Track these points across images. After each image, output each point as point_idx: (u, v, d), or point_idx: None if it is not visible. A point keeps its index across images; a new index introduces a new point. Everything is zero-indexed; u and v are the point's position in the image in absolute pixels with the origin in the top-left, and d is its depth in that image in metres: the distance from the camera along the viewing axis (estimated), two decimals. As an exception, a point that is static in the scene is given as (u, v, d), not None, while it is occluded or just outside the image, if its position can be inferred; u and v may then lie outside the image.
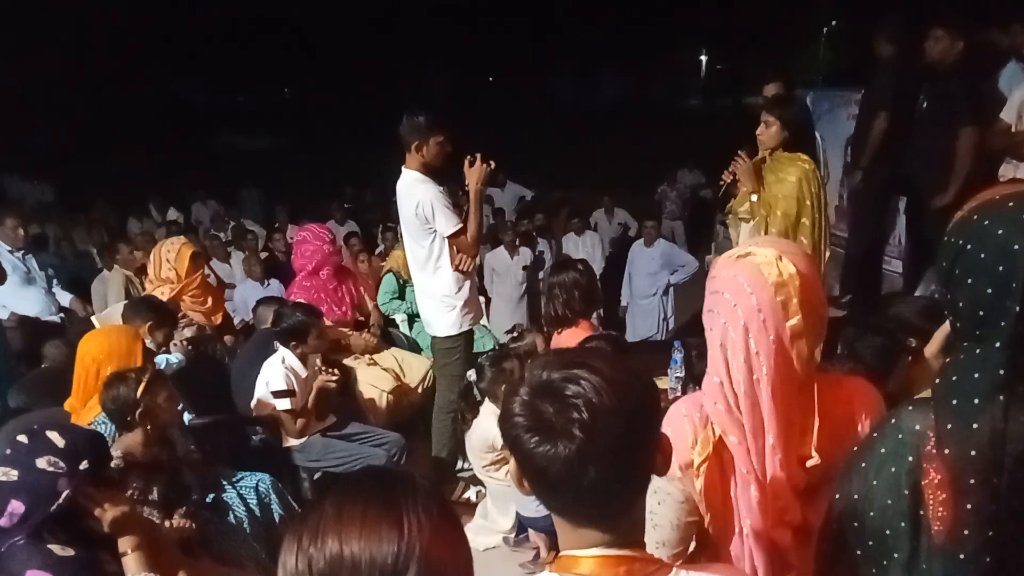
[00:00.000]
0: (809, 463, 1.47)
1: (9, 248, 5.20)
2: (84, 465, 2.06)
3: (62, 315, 5.45)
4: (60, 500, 2.00)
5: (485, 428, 3.52)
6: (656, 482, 1.42)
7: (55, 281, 5.64)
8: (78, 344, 3.12)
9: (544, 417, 1.05)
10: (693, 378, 3.45)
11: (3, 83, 18.36)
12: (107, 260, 6.90)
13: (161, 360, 3.92)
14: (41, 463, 2.01)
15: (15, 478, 2.00)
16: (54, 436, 2.06)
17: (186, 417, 3.51)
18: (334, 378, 3.81)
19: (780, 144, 3.86)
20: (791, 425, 1.46)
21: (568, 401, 1.04)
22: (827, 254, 3.94)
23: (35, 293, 5.34)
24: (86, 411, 2.93)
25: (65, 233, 9.46)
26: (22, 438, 2.06)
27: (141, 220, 10.26)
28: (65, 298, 5.60)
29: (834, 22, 25.08)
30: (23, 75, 19.30)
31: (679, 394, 3.42)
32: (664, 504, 1.46)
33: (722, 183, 4.08)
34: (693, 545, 1.52)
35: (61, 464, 2.02)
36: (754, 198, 3.89)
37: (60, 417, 3.09)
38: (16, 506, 1.97)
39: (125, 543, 2.10)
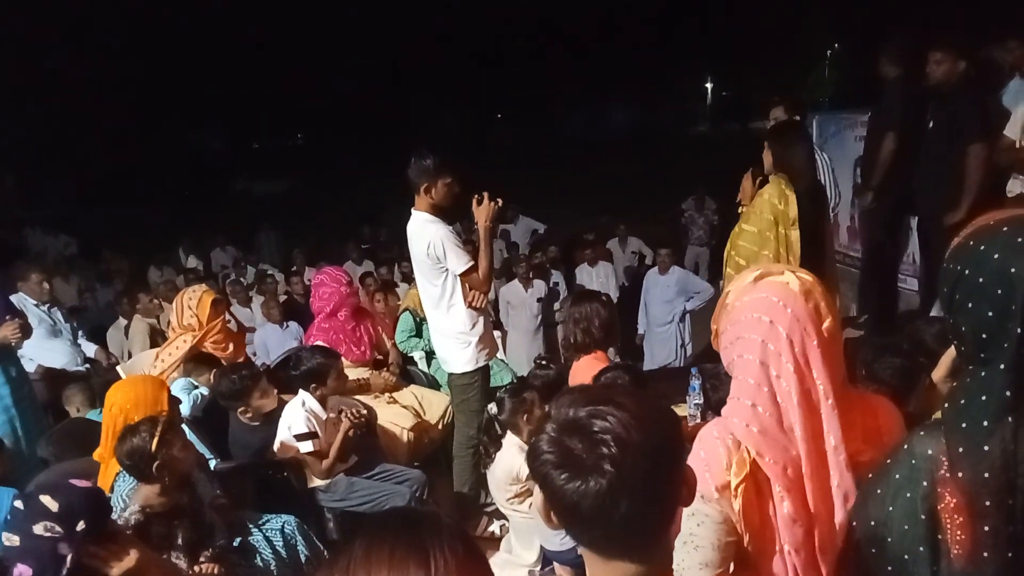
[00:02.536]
0: (863, 458, 1.50)
1: (35, 302, 5.30)
2: (81, 526, 2.03)
3: (87, 366, 5.53)
4: (68, 564, 1.98)
5: (508, 460, 3.54)
6: (694, 504, 1.44)
7: (80, 332, 5.74)
8: (105, 394, 3.17)
9: (573, 454, 1.07)
10: (711, 405, 3.45)
11: (23, 139, 18.81)
12: (125, 309, 7.00)
13: (197, 395, 4.01)
14: (38, 529, 1.99)
15: (17, 544, 2.00)
16: (47, 501, 2.03)
17: (212, 462, 3.56)
18: (362, 416, 3.86)
19: (772, 168, 3.98)
20: (846, 424, 1.50)
21: (596, 437, 1.06)
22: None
23: (61, 345, 5.44)
24: (115, 462, 2.97)
25: (88, 284, 9.61)
26: (18, 503, 2.05)
27: (160, 268, 10.41)
28: (90, 349, 5.69)
29: (837, 44, 25.24)
30: (42, 131, 19.75)
31: (699, 421, 3.42)
32: (703, 525, 1.48)
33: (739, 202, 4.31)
34: (732, 566, 1.53)
35: (58, 528, 2.00)
36: (741, 210, 4.11)
37: (88, 468, 3.14)
38: (24, 569, 1.97)
39: None
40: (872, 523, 1.23)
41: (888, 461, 1.27)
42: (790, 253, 3.85)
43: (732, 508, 1.48)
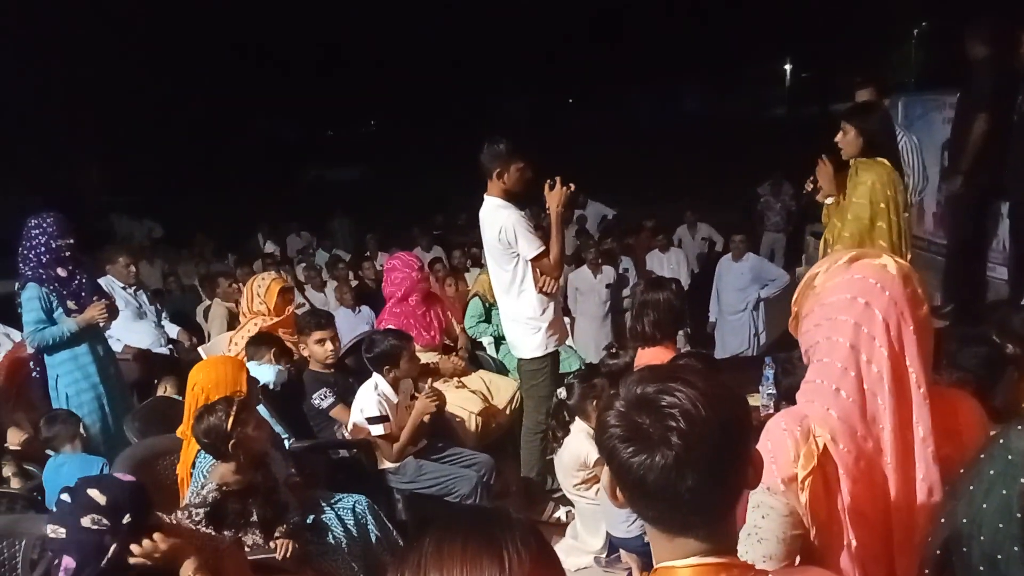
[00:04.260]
0: (942, 452, 1.45)
1: (122, 284, 5.53)
2: (127, 519, 2.09)
3: (171, 347, 5.76)
4: (109, 554, 2.05)
5: (576, 446, 3.53)
6: (760, 496, 1.44)
7: (164, 314, 5.98)
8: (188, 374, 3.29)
9: (641, 428, 1.08)
10: (783, 393, 3.36)
11: (108, 130, 19.71)
12: (207, 292, 7.26)
13: (273, 371, 4.08)
14: (86, 521, 2.05)
15: (63, 536, 2.07)
16: (95, 494, 2.08)
17: (287, 442, 3.66)
18: (435, 400, 3.89)
19: (858, 151, 3.80)
20: (935, 416, 1.45)
21: (664, 412, 1.07)
22: (908, 256, 3.80)
23: (146, 327, 5.67)
24: (197, 439, 3.07)
25: (172, 268, 9.99)
26: (65, 497, 2.11)
27: (238, 253, 10.73)
28: (173, 331, 5.92)
29: (924, 23, 24.12)
30: (125, 121, 20.64)
31: (771, 411, 3.33)
32: (768, 518, 1.46)
33: (805, 190, 4.17)
34: (798, 560, 1.50)
35: (105, 521, 2.06)
36: (829, 201, 3.91)
37: (172, 445, 3.27)
38: (68, 561, 2.04)
39: (187, 568, 2.14)
40: (963, 520, 1.17)
41: (981, 456, 1.20)
42: (903, 241, 3.68)
43: (799, 501, 1.45)
